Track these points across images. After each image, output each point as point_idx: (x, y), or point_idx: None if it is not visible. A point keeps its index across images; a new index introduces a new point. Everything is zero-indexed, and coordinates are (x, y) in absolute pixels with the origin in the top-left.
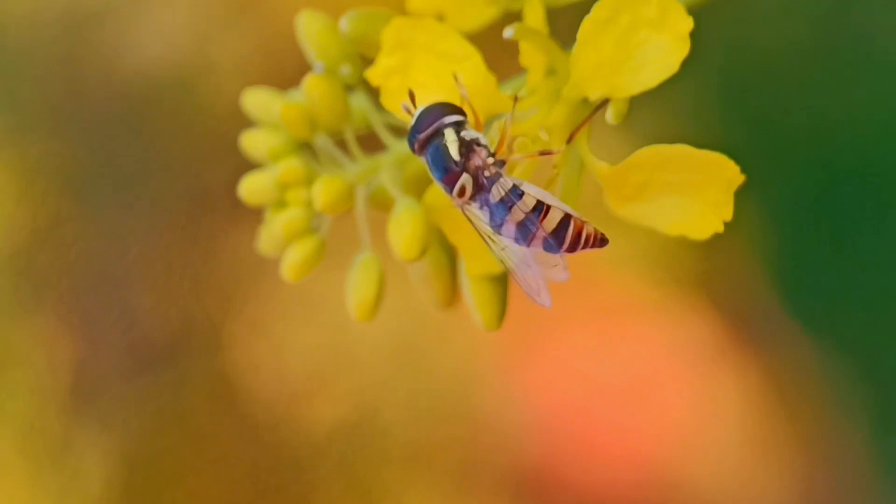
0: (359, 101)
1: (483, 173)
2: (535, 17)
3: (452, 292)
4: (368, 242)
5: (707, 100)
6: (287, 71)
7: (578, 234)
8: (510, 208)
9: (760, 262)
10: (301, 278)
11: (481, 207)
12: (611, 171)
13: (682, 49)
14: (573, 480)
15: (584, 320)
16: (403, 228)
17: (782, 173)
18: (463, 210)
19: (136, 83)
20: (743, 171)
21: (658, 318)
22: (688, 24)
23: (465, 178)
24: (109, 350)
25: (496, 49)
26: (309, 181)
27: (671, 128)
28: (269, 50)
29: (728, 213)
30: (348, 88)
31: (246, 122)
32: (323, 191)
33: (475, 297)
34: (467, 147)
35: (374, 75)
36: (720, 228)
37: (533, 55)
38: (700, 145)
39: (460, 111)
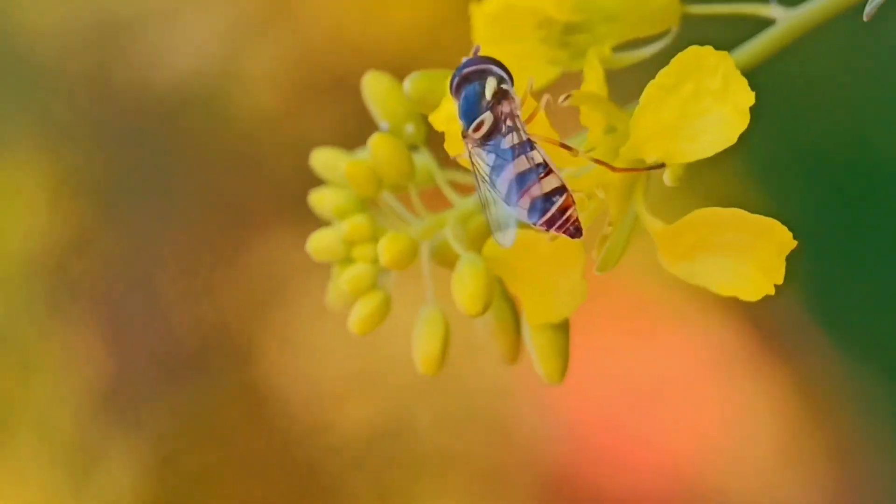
0: (422, 159)
1: (506, 121)
2: (594, 78)
3: (517, 346)
4: (433, 297)
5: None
6: (319, 81)
7: (565, 209)
8: (517, 156)
9: (789, 271)
10: (368, 332)
11: (489, 152)
12: (665, 230)
13: (742, 122)
14: (603, 488)
15: (613, 329)
16: (466, 284)
17: (812, 184)
18: (470, 151)
19: (167, 94)
20: (772, 182)
21: (688, 326)
22: (750, 98)
23: (487, 116)
24: (141, 359)
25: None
26: (374, 238)
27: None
28: (301, 60)
29: (779, 277)
30: (412, 147)
31: (277, 134)
32: (388, 247)
33: (536, 349)
34: (502, 94)
35: (437, 120)
36: (771, 291)
37: (592, 114)
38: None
39: (510, 74)
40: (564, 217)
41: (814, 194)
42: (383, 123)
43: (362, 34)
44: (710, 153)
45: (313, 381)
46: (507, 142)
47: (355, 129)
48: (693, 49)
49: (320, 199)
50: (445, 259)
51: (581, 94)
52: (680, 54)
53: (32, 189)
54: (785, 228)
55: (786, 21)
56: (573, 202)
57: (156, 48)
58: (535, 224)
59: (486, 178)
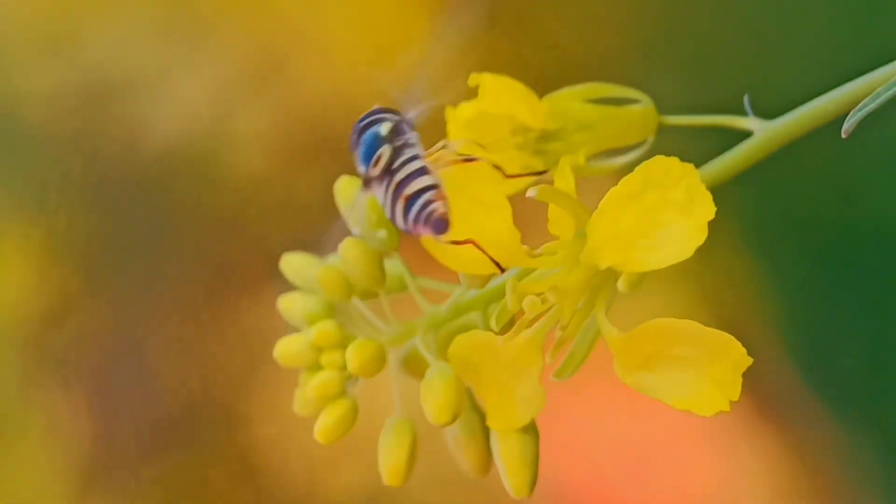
0: (394, 266)
1: (404, 151)
2: (564, 182)
3: (487, 457)
4: (400, 407)
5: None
6: (310, 142)
7: (428, 203)
8: (411, 181)
9: (782, 338)
10: (334, 441)
11: (387, 185)
12: (621, 340)
13: (700, 237)
14: None
15: (605, 391)
16: (436, 393)
17: (804, 250)
18: (375, 193)
19: (156, 157)
20: (763, 248)
21: None
22: (711, 212)
23: (385, 149)
24: (126, 426)
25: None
26: (343, 344)
27: None
28: (292, 121)
29: (735, 394)
30: (384, 253)
31: (267, 196)
32: (356, 354)
33: (503, 460)
34: (399, 131)
35: None
36: (727, 408)
37: (561, 219)
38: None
39: (407, 120)
40: (428, 210)
41: (806, 260)
42: (355, 229)
43: (353, 95)
44: (665, 265)
45: (302, 446)
46: (405, 171)
47: None
48: (658, 159)
49: (290, 305)
50: (415, 367)
51: (548, 190)
52: (645, 163)
53: (18, 255)
54: (739, 345)
55: (763, 133)
56: (443, 197)
57: (145, 111)
58: (407, 225)
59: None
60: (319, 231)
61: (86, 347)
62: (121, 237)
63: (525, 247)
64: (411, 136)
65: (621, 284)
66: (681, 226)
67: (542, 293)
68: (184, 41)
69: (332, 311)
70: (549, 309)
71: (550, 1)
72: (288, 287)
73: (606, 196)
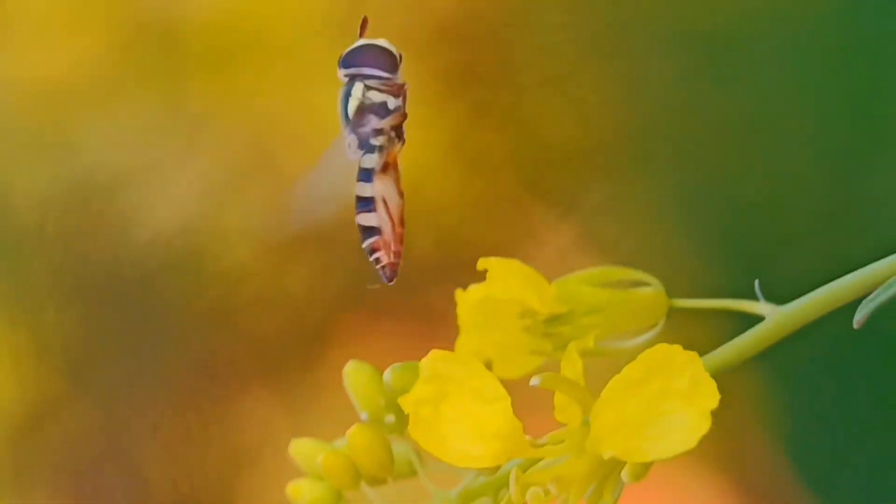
0: (402, 450)
1: (370, 139)
2: (572, 373)
3: None
4: None
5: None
6: (296, 235)
7: (372, 251)
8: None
9: (777, 436)
10: None
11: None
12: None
13: (704, 426)
14: None
15: None
16: None
17: (795, 349)
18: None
19: (144, 254)
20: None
21: (672, 485)
22: (715, 402)
23: (351, 139)
24: None
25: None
26: None
27: None
28: (279, 216)
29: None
30: (392, 437)
31: (256, 290)
32: None
33: None
34: (366, 110)
35: (406, 402)
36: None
37: (567, 407)
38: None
39: (391, 65)
40: (373, 258)
41: (803, 358)
42: (363, 414)
43: None
44: (668, 455)
45: None
46: (358, 189)
47: (334, 282)
48: (661, 347)
49: (298, 492)
50: None
51: (553, 378)
52: (648, 350)
53: (3, 353)
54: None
55: (774, 318)
56: (381, 247)
57: (135, 208)
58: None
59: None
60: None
61: (72, 448)
62: (107, 336)
63: (528, 437)
64: (378, 117)
65: (625, 475)
66: (684, 415)
67: (537, 484)
68: (174, 137)
69: (339, 497)
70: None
71: (543, 94)
72: (277, 381)
73: (610, 383)
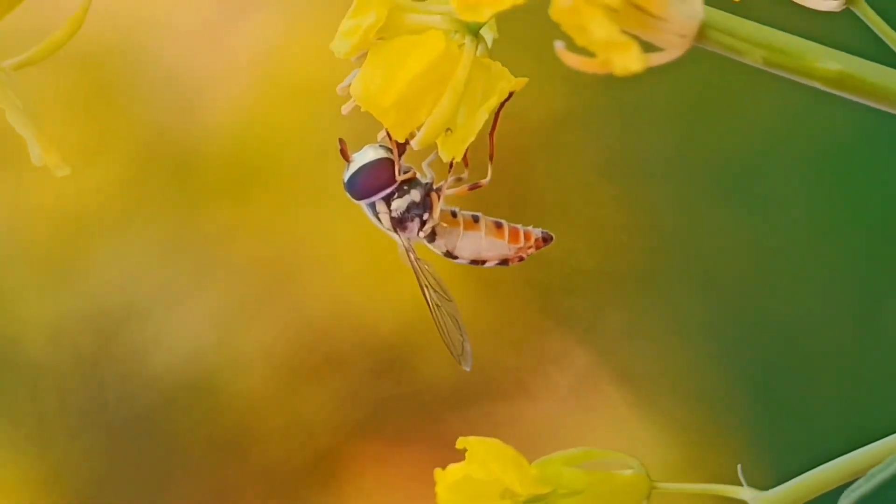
0: None
1: (426, 231)
2: None
3: None
4: None
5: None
6: (314, 360)
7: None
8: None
9: None
10: None
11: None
12: None
13: None
14: None
15: None
16: None
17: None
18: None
19: (157, 383)
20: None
21: None
22: None
23: (409, 243)
24: None
25: None
26: None
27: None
28: (297, 339)
29: None
30: None
31: (270, 418)
32: None
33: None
34: (399, 220)
35: None
36: None
37: None
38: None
39: (389, 174)
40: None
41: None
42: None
43: (360, 313)
44: None
45: None
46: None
47: (350, 409)
48: None
49: None
50: None
51: None
52: None
53: (15, 487)
54: None
55: (757, 503)
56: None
57: (148, 335)
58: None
59: (430, 288)
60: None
61: None
62: (120, 464)
63: None
64: (413, 223)
65: None
66: None
67: None
68: (188, 264)
69: None
70: None
71: (558, 218)
72: None
73: None
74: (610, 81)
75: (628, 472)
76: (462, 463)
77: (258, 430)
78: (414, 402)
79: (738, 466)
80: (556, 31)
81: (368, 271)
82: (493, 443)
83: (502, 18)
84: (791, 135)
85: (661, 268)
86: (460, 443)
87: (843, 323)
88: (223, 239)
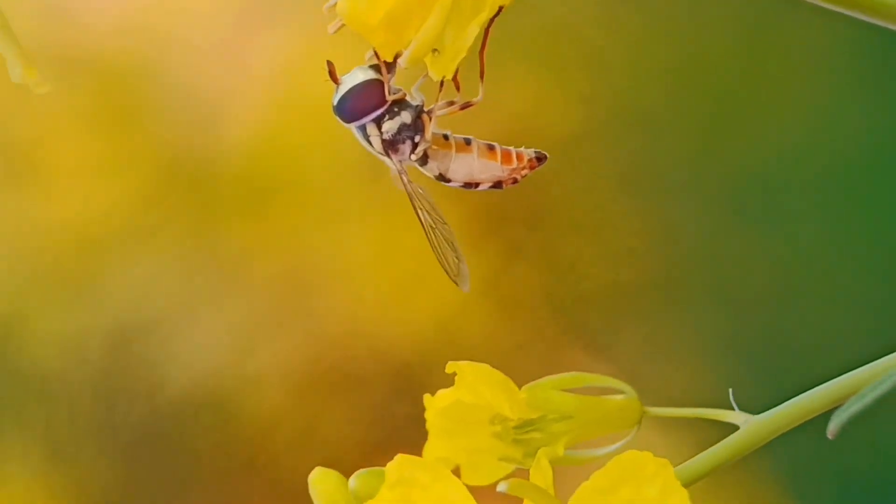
0: None
1: (418, 154)
2: (541, 480)
3: None
4: None
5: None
6: (332, 378)
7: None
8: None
9: None
10: None
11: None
12: None
13: None
14: None
15: None
16: None
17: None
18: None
19: (174, 399)
20: None
21: None
22: None
23: (400, 166)
24: None
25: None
26: None
27: None
28: (315, 357)
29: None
30: None
31: (287, 434)
32: None
33: None
34: (390, 142)
35: None
36: None
37: None
38: None
39: (380, 95)
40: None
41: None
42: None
43: (377, 331)
44: None
45: None
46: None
47: (366, 428)
48: (632, 453)
49: None
50: None
51: (521, 484)
52: (618, 457)
53: (32, 502)
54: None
55: (748, 427)
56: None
57: (166, 351)
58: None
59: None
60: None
61: None
62: (139, 481)
63: None
64: (405, 145)
65: None
66: None
67: None
68: (207, 281)
69: None
70: None
71: (577, 234)
72: None
73: (578, 490)
74: (628, 98)
75: (619, 396)
76: (451, 388)
77: (274, 447)
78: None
79: (730, 390)
80: (571, 48)
81: (386, 289)
82: (482, 367)
83: (520, 37)
84: (811, 148)
85: (681, 284)
86: (450, 367)
87: (865, 337)
88: (241, 255)
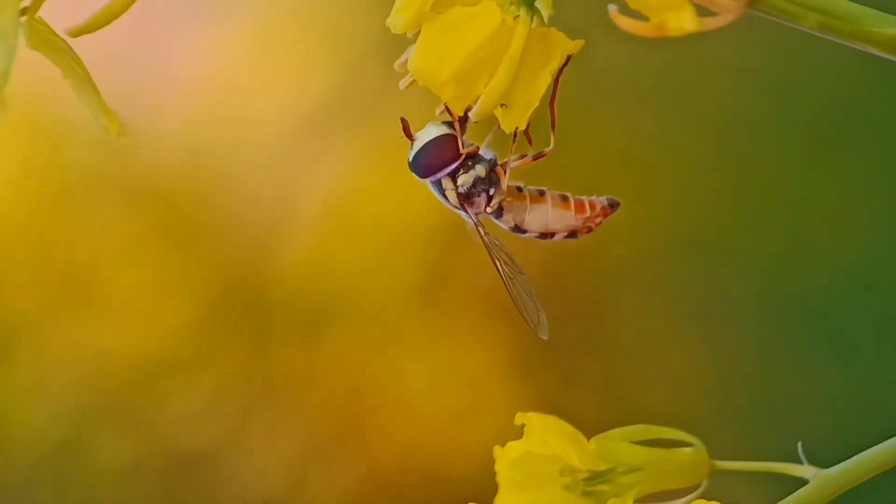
0: None
1: (493, 207)
2: None
3: None
4: None
5: None
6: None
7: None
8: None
9: None
10: None
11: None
12: None
13: None
14: None
15: None
16: None
17: None
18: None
19: None
20: None
21: None
22: None
23: (476, 218)
24: None
25: None
26: None
27: None
28: (368, 485)
29: None
30: None
31: None
32: None
33: None
34: (466, 196)
35: None
36: None
37: None
38: None
39: (454, 150)
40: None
41: None
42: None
43: (431, 461)
44: None
45: None
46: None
47: None
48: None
49: None
50: None
51: None
52: None
53: None
54: None
55: (817, 481)
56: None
57: (219, 478)
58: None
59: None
60: None
61: None
62: None
63: None
64: (480, 199)
65: None
66: None
67: None
68: (260, 407)
69: None
70: None
71: (633, 360)
72: None
73: None
74: (685, 220)
75: (688, 449)
76: (521, 440)
77: None
78: None
79: (799, 444)
80: (626, 168)
81: (442, 416)
82: (550, 418)
83: (579, 160)
84: (869, 277)
85: (739, 412)
86: (518, 418)
87: None
88: (295, 381)
